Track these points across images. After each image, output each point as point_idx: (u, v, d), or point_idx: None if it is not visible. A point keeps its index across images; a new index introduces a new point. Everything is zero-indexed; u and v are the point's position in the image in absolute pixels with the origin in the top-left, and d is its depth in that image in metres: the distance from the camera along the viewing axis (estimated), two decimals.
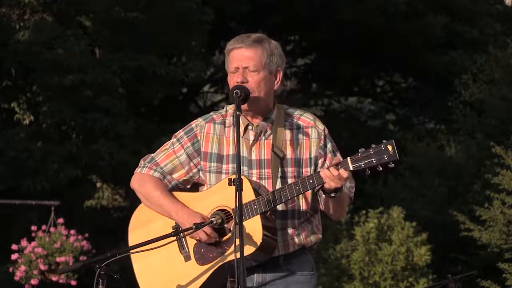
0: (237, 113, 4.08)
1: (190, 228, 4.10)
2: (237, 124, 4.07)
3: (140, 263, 4.33)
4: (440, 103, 18.74)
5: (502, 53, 16.17)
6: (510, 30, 19.02)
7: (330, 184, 4.06)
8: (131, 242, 4.36)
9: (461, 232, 11.22)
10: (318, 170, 4.16)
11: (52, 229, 11.99)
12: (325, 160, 4.30)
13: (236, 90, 4.13)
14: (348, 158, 4.06)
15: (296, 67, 22.88)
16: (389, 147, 4.00)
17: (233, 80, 4.23)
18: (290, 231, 4.24)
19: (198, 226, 4.10)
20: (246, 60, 4.22)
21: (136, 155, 13.67)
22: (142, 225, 4.38)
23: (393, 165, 4.02)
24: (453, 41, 19.37)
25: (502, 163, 10.88)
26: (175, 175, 4.34)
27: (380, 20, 18.86)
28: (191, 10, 16.30)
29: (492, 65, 16.09)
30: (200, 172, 4.32)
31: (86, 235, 12.06)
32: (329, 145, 4.32)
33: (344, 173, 4.03)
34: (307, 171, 4.25)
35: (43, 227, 12.02)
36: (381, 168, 4.03)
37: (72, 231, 11.95)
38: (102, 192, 17.62)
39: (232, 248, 4.11)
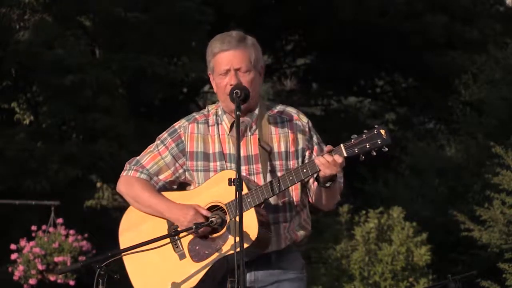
0: (237, 113, 4.06)
1: (190, 228, 4.10)
2: (237, 124, 4.06)
3: (133, 265, 4.31)
4: (440, 103, 18.74)
5: (502, 53, 16.16)
6: (510, 30, 19.02)
7: (325, 171, 4.05)
8: (122, 245, 4.36)
9: (461, 232, 11.22)
10: (310, 159, 4.15)
11: (51, 229, 11.99)
12: (312, 152, 4.30)
13: (236, 90, 4.12)
14: (341, 145, 4.07)
15: (296, 67, 22.87)
16: (382, 131, 4.02)
17: (224, 82, 4.23)
18: (282, 225, 4.24)
19: (198, 226, 4.09)
20: (237, 62, 4.21)
21: (136, 155, 13.65)
22: (132, 227, 4.38)
23: (386, 149, 4.02)
24: (453, 41, 19.37)
25: (502, 163, 10.89)
26: (161, 176, 4.36)
27: (380, 20, 18.86)
28: (191, 10, 16.30)
29: (492, 65, 16.09)
30: (187, 172, 4.33)
31: (86, 235, 12.06)
32: (314, 137, 4.34)
33: (338, 159, 4.03)
34: (294, 163, 4.25)
35: (43, 227, 12.03)
36: (375, 153, 4.03)
37: (72, 231, 11.95)
38: (102, 192, 17.58)
39: (226, 244, 4.13)
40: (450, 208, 12.69)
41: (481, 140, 15.32)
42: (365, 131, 4.05)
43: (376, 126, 4.05)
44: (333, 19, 19.13)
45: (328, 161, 4.03)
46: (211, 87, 4.40)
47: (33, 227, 11.97)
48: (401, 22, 19.10)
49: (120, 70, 15.67)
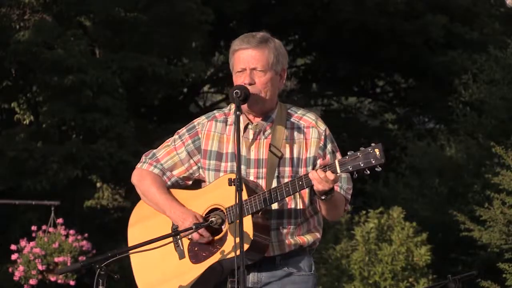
0: (237, 113, 4.07)
1: (190, 228, 4.10)
2: (237, 124, 4.07)
3: (137, 259, 4.36)
4: (440, 103, 18.73)
5: (502, 53, 16.16)
6: (510, 30, 19.01)
7: (317, 186, 4.03)
8: (130, 238, 4.41)
9: (461, 232, 11.24)
10: (306, 173, 4.13)
11: (51, 229, 11.99)
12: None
13: (236, 90, 4.12)
14: (336, 161, 4.04)
15: (296, 67, 22.88)
16: (377, 151, 3.98)
17: (239, 81, 4.21)
18: (285, 231, 4.22)
19: (198, 227, 4.10)
20: (253, 61, 4.20)
21: (136, 155, 13.67)
22: (141, 221, 4.41)
23: (380, 168, 4.00)
24: (453, 41, 19.37)
25: (502, 163, 10.91)
26: (175, 172, 4.36)
27: (380, 19, 18.86)
28: (191, 10, 16.31)
29: (492, 65, 16.08)
30: (200, 170, 4.33)
31: (86, 235, 12.07)
32: (329, 146, 4.29)
33: (330, 176, 4.00)
34: (305, 171, 4.22)
35: (43, 227, 12.03)
36: (368, 172, 4.01)
37: (72, 231, 11.95)
38: (102, 192, 17.60)
39: (224, 247, 4.13)
40: (450, 208, 12.69)
41: (481, 140, 15.33)
42: (361, 148, 4.03)
43: (372, 144, 4.02)
44: (333, 19, 19.13)
45: (320, 177, 4.01)
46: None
47: (33, 227, 11.97)
48: (401, 22, 19.10)
49: (120, 70, 15.68)
